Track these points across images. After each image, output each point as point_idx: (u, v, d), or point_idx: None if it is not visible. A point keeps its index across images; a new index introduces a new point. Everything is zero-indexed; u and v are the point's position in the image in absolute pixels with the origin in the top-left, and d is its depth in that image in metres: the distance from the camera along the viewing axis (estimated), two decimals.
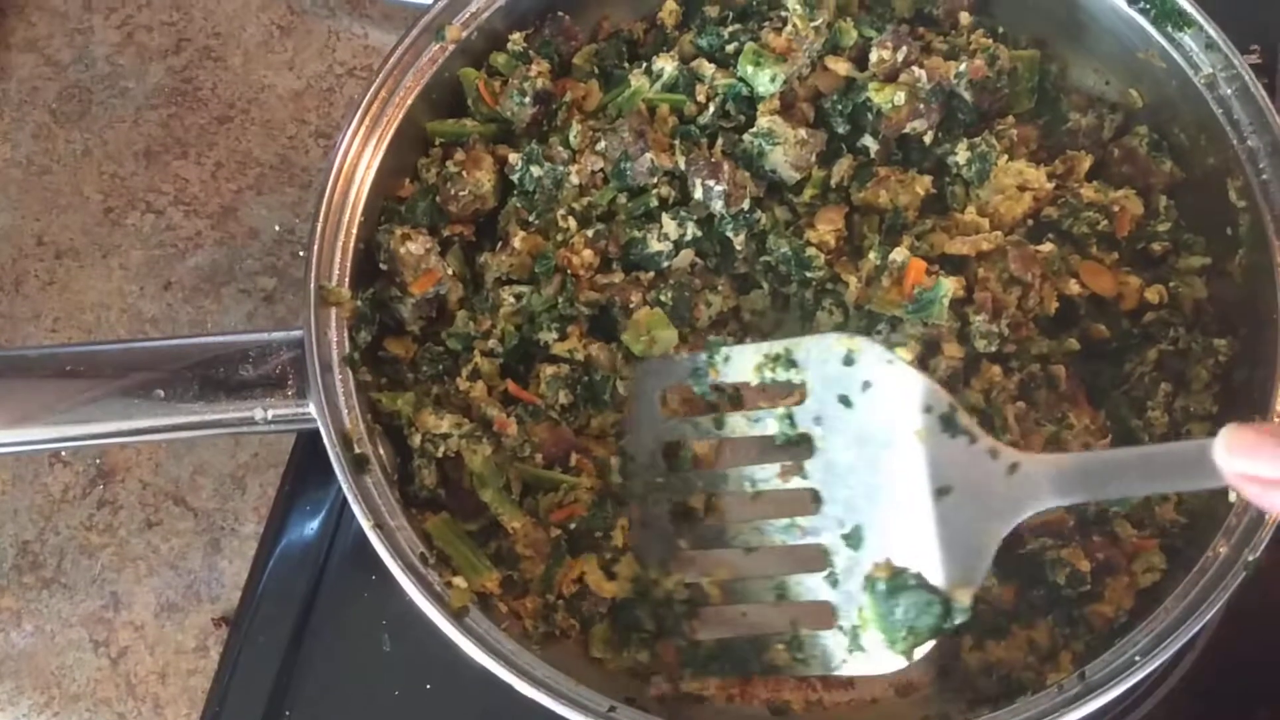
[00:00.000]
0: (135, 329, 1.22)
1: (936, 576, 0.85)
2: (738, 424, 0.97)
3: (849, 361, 0.91)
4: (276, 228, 1.26)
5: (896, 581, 0.86)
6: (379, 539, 0.92)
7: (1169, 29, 1.04)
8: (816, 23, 1.07)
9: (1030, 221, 1.05)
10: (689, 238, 1.05)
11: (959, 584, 0.84)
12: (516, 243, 1.04)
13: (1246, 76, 1.00)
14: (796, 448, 0.95)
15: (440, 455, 0.99)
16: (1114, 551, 0.96)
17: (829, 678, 0.98)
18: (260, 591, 1.09)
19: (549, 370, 1.02)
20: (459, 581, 0.93)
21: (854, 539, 0.90)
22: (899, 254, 1.01)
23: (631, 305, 1.03)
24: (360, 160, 1.03)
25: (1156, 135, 1.08)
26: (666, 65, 1.09)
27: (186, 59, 1.33)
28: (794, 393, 0.95)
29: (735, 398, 1.01)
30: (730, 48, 1.10)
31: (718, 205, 1.04)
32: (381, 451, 0.97)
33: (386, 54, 1.05)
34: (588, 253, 1.04)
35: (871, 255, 1.03)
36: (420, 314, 1.05)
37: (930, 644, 0.86)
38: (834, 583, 0.90)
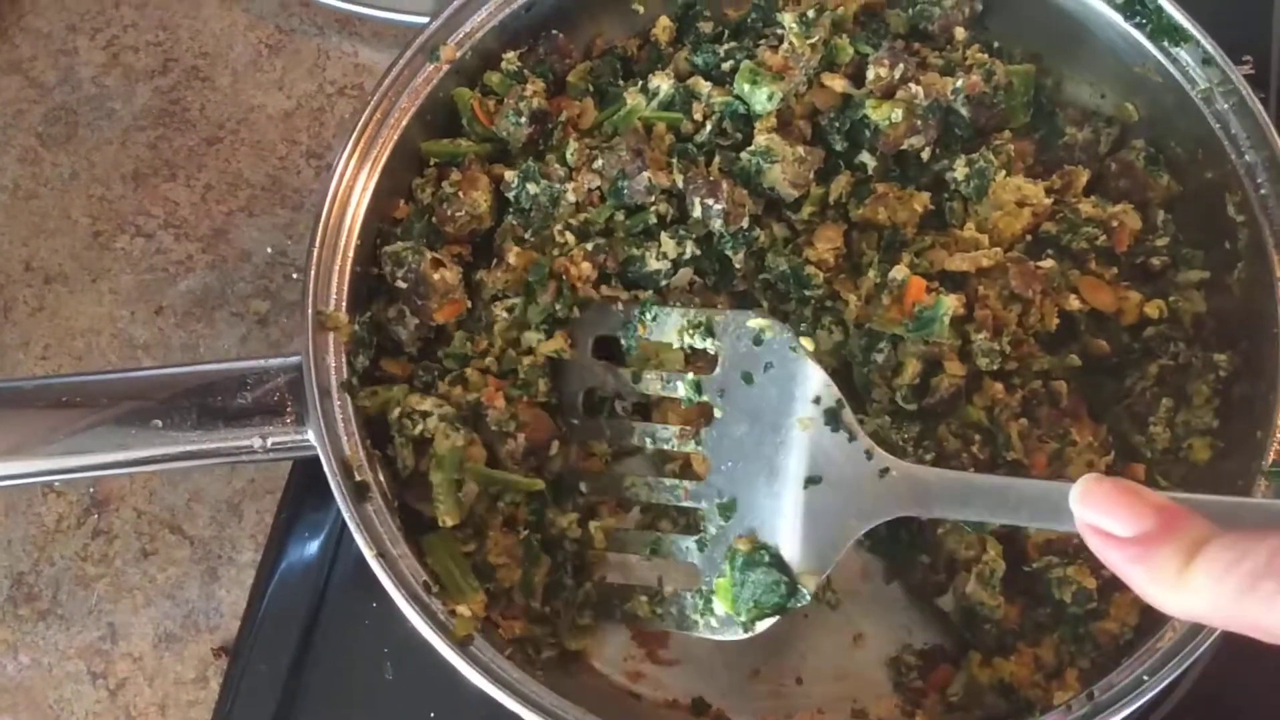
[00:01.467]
0: (127, 355, 1.21)
1: (792, 559, 0.91)
2: (652, 382, 1.02)
3: (758, 341, 0.96)
4: (269, 250, 1.25)
5: (753, 556, 0.92)
6: (381, 567, 0.91)
7: (1165, 44, 1.04)
8: (813, 40, 1.06)
9: (1029, 237, 1.05)
10: (688, 256, 1.05)
11: (809, 570, 0.90)
12: (511, 258, 1.04)
13: (1244, 91, 1.01)
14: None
15: (417, 434, 0.98)
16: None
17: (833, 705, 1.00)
18: (259, 620, 1.08)
19: (526, 360, 1.02)
20: (463, 610, 0.92)
21: (728, 509, 0.95)
22: (899, 272, 1.01)
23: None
24: (355, 183, 1.02)
25: (1153, 149, 1.08)
26: (663, 83, 1.08)
27: (174, 79, 1.32)
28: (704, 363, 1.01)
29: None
30: (726, 65, 1.09)
31: (717, 224, 1.04)
32: (381, 478, 0.97)
33: (381, 75, 1.04)
34: (586, 265, 1.03)
35: (871, 273, 1.03)
36: (419, 335, 1.04)
37: (770, 621, 0.92)
38: (701, 546, 0.97)
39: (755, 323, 0.96)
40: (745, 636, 0.93)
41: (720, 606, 0.94)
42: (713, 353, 0.99)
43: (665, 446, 1.01)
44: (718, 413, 0.97)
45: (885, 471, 0.89)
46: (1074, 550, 0.96)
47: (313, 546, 1.10)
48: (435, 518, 0.96)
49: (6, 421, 0.93)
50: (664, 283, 1.05)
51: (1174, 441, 1.01)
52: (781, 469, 0.92)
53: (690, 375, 0.99)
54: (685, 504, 0.99)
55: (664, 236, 1.04)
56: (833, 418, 0.91)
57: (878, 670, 1.02)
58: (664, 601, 0.98)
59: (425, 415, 0.97)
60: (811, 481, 0.91)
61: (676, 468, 1.05)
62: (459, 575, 0.95)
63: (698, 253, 1.05)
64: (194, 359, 1.20)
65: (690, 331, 0.99)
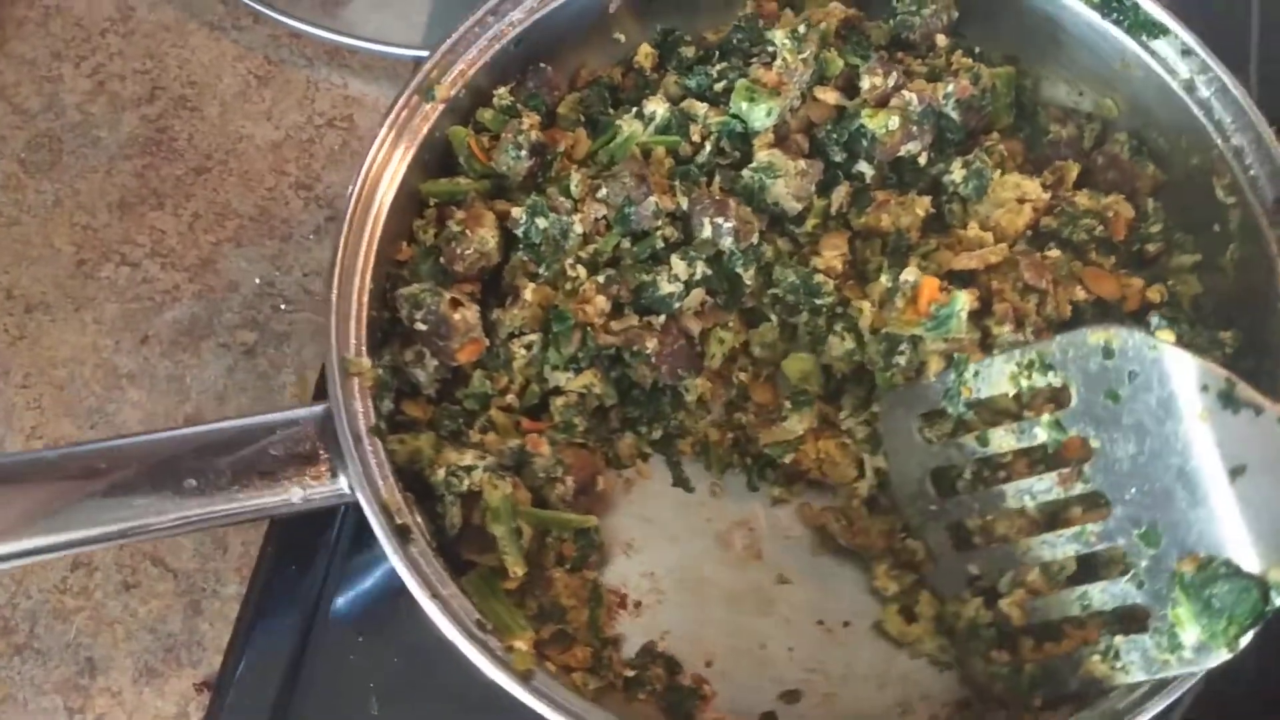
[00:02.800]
0: (110, 384, 1.18)
1: (1248, 560, 0.83)
2: (1003, 439, 0.96)
3: (1109, 354, 0.89)
4: (257, 280, 1.24)
5: (1207, 573, 0.85)
6: (437, 609, 0.90)
7: (1144, 38, 1.08)
8: (804, 54, 1.08)
9: (1030, 232, 1.08)
10: (699, 276, 1.05)
11: (1275, 563, 0.82)
12: (528, 295, 1.04)
13: (1225, 78, 1.05)
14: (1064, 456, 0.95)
15: (465, 490, 0.97)
16: None
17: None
18: (243, 655, 1.06)
19: (559, 401, 1.02)
20: (520, 645, 0.91)
21: (1151, 537, 0.88)
22: (910, 274, 1.03)
23: (646, 350, 1.03)
24: (364, 228, 1.02)
25: (1136, 141, 1.12)
26: (658, 108, 1.09)
27: (161, 108, 1.30)
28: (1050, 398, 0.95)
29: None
30: (719, 86, 1.11)
31: (727, 241, 1.05)
32: (419, 519, 0.95)
33: (382, 116, 1.04)
34: (600, 299, 1.04)
35: (883, 278, 1.04)
36: (437, 376, 1.04)
37: (1252, 632, 0.84)
38: (1139, 584, 0.89)
39: (1098, 337, 0.89)
40: (1231, 656, 0.85)
41: (1190, 635, 0.86)
42: (1059, 385, 0.93)
43: (1048, 498, 0.95)
44: (1094, 443, 0.91)
45: None
46: None
47: (298, 581, 1.08)
48: (482, 563, 0.97)
49: (32, 493, 0.90)
50: (677, 305, 1.06)
51: None
52: (1195, 472, 0.85)
53: (1045, 416, 0.94)
54: (1099, 548, 0.92)
55: (674, 259, 1.05)
56: (1228, 399, 0.83)
57: (921, 672, 1.02)
58: (1119, 653, 0.91)
59: (470, 470, 0.97)
60: (1236, 473, 0.83)
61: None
62: (504, 613, 0.94)
63: (708, 272, 1.06)
64: (180, 390, 1.18)
65: (1025, 374, 0.94)
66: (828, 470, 1.07)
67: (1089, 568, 0.96)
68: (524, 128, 1.08)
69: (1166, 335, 0.88)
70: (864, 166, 1.10)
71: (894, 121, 1.07)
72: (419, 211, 1.08)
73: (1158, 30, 1.07)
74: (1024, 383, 0.94)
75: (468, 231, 1.05)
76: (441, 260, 1.05)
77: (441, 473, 0.97)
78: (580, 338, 1.03)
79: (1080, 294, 1.05)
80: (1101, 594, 0.92)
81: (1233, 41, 1.19)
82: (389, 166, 1.04)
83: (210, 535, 1.12)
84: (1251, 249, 1.04)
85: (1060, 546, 0.94)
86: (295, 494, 0.93)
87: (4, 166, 1.28)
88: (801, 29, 1.08)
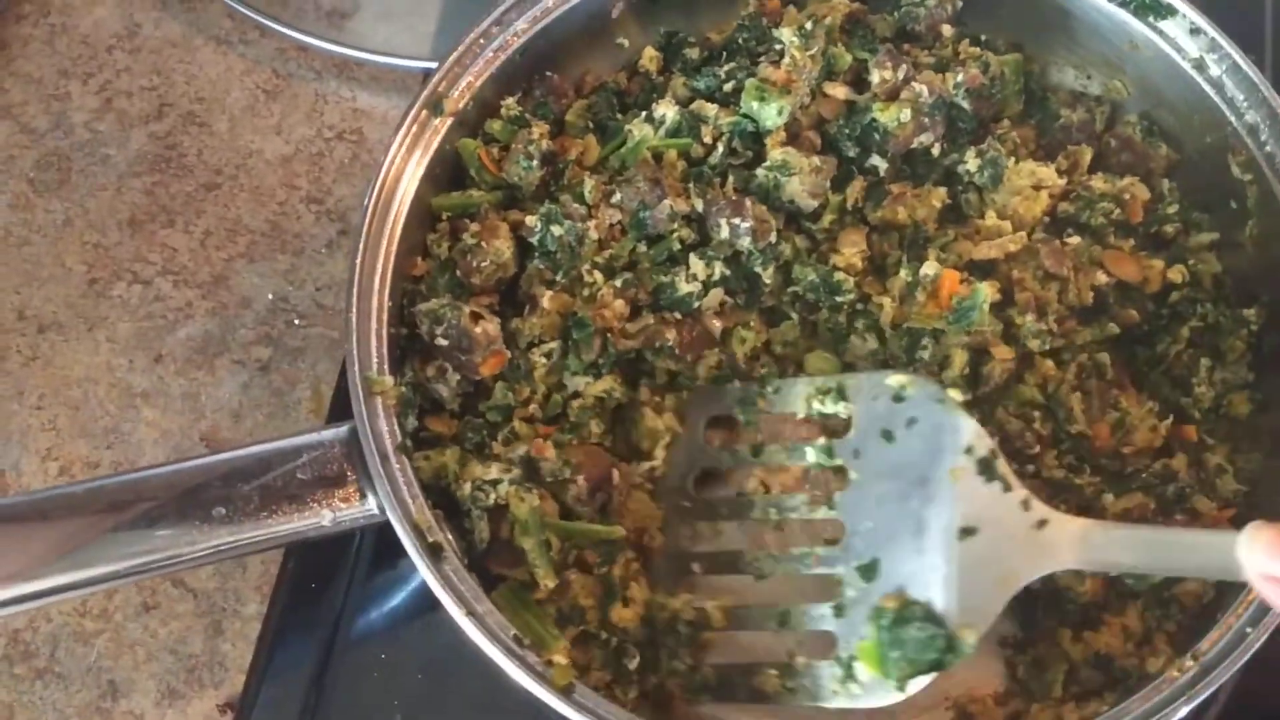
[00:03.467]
0: (125, 403, 1.18)
1: (947, 613, 0.86)
2: (775, 454, 0.99)
3: (899, 398, 0.93)
4: (270, 296, 1.23)
5: (905, 613, 0.87)
6: (474, 626, 0.89)
7: (1151, 19, 1.07)
8: (812, 51, 1.08)
9: (1048, 219, 1.08)
10: (717, 276, 1.05)
11: (967, 625, 0.85)
12: (545, 303, 1.03)
13: (1236, 55, 1.04)
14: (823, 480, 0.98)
15: (491, 504, 0.97)
16: (1196, 527, 0.97)
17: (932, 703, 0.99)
18: (266, 674, 1.05)
19: (576, 404, 1.02)
20: (559, 659, 0.91)
21: (869, 571, 0.91)
22: (930, 268, 1.02)
23: (668, 342, 1.03)
24: (379, 245, 1.01)
25: (1148, 122, 1.11)
26: (668, 111, 1.08)
27: (169, 125, 1.30)
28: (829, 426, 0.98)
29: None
30: (728, 87, 1.10)
31: (745, 241, 1.04)
32: (450, 537, 0.95)
33: (393, 132, 1.03)
34: (619, 303, 1.03)
35: (902, 273, 1.04)
36: (459, 391, 1.03)
37: (925, 680, 0.87)
38: (838, 612, 0.92)
39: (895, 380, 0.93)
40: (899, 698, 0.88)
41: (864, 671, 0.89)
42: (844, 416, 0.96)
43: (792, 516, 0.98)
44: (853, 474, 0.94)
45: (1043, 523, 0.86)
46: (1152, 515, 0.97)
47: (320, 598, 1.08)
48: (512, 576, 0.96)
49: (59, 529, 0.90)
50: (696, 305, 1.05)
51: (1216, 400, 1.03)
52: (930, 522, 0.88)
53: (820, 440, 0.96)
54: (817, 571, 0.94)
55: (693, 259, 1.04)
56: (986, 467, 0.88)
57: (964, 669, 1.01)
58: (796, 675, 0.93)
59: (495, 483, 0.96)
60: (966, 533, 0.87)
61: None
62: (538, 626, 0.94)
63: (726, 273, 1.05)
64: (195, 408, 1.18)
65: (820, 399, 0.97)
66: None
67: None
68: (534, 137, 1.07)
69: (955, 394, 0.92)
70: (878, 160, 1.09)
71: (905, 114, 1.06)
72: (432, 226, 1.08)
73: (1165, 11, 1.06)
74: (816, 406, 0.97)
75: (483, 243, 1.04)
76: (458, 274, 1.05)
77: (468, 487, 0.97)
78: (601, 344, 1.02)
79: (1101, 278, 1.04)
80: (800, 614, 0.94)
81: (1248, 26, 1.18)
82: (401, 182, 1.03)
83: None
84: (1271, 224, 1.04)
85: (784, 563, 0.96)
86: (325, 517, 0.92)
87: (13, 186, 1.27)
88: (808, 25, 1.08)
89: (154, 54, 1.34)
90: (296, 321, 1.22)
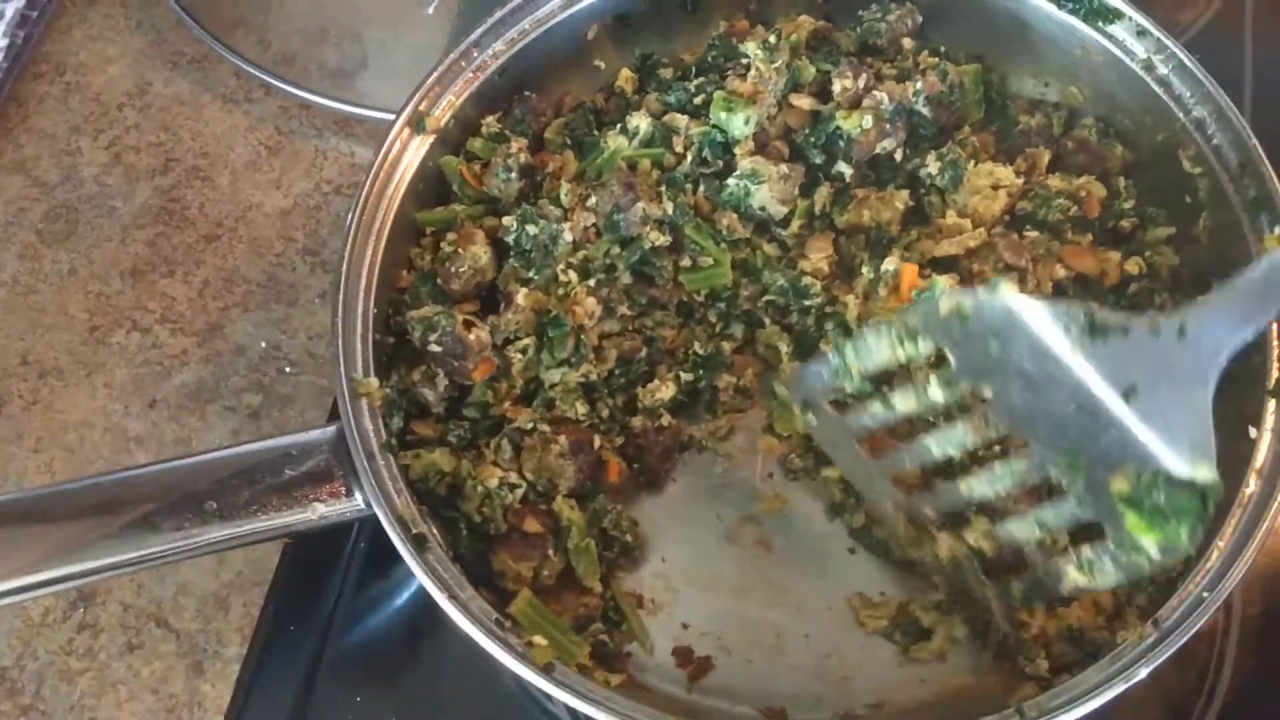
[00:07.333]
0: (119, 448, 1.21)
1: (1174, 468, 0.84)
2: (904, 400, 0.96)
3: (963, 319, 0.90)
4: (263, 344, 1.27)
5: (1141, 486, 0.86)
6: (456, 609, 0.92)
7: (1099, 24, 1.12)
8: (776, 64, 1.12)
9: (1007, 217, 1.11)
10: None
11: (1196, 463, 0.84)
12: (520, 299, 1.07)
13: (1181, 55, 1.09)
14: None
15: (509, 503, 1.02)
16: None
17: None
18: (243, 715, 1.08)
19: (556, 389, 1.06)
20: (539, 640, 0.94)
21: (1075, 464, 0.89)
22: (890, 263, 1.06)
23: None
24: (364, 255, 1.05)
25: (1103, 124, 1.16)
26: (641, 122, 1.13)
27: (174, 179, 1.34)
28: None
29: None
30: (698, 100, 1.15)
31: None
32: (434, 530, 0.98)
33: (377, 147, 1.08)
34: (590, 301, 1.07)
35: (865, 270, 1.08)
36: (446, 395, 1.07)
37: (1202, 529, 0.86)
38: (1081, 503, 0.90)
39: (946, 304, 0.90)
40: (1190, 552, 0.88)
41: (1150, 543, 0.87)
42: (933, 350, 0.93)
43: (968, 444, 0.95)
44: (986, 393, 0.91)
45: (1182, 330, 0.84)
46: None
47: (300, 639, 1.10)
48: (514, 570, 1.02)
49: (57, 524, 0.93)
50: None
51: None
52: (1092, 401, 0.86)
53: (934, 375, 0.94)
54: (1035, 479, 0.92)
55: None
56: (1095, 329, 0.85)
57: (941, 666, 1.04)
58: (1092, 565, 0.91)
59: (514, 487, 1.02)
60: (1129, 395, 0.85)
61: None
62: (562, 636, 0.98)
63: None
64: (187, 452, 1.17)
65: (899, 344, 0.94)
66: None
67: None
68: (513, 151, 1.12)
69: (1009, 287, 0.88)
70: (843, 166, 1.13)
71: (868, 121, 1.11)
72: (417, 240, 1.12)
73: (1112, 15, 1.11)
74: (901, 351, 0.94)
75: (460, 250, 1.08)
76: (439, 282, 1.09)
77: (494, 482, 1.02)
78: (574, 344, 1.06)
79: (1060, 272, 1.08)
80: (1054, 514, 0.92)
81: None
82: (384, 197, 1.08)
83: (213, 596, 1.14)
84: (1222, 216, 1.07)
85: (998, 483, 0.94)
86: (315, 510, 0.96)
87: (22, 237, 1.32)
88: (772, 39, 1.13)
89: (163, 111, 1.40)
90: (288, 369, 1.25)
